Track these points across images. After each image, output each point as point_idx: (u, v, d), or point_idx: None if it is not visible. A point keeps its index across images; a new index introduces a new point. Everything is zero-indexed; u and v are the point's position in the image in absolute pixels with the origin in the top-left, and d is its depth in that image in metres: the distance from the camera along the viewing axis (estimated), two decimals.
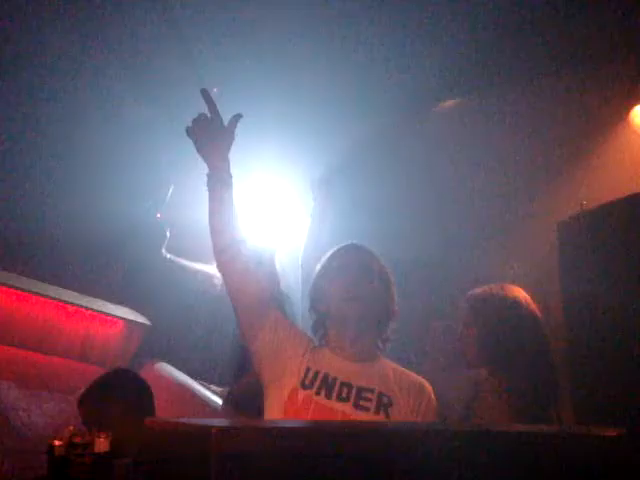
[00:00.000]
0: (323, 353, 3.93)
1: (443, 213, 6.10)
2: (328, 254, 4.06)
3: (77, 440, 2.44)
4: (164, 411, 4.67)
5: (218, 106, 3.94)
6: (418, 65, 5.78)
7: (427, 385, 3.93)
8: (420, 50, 5.66)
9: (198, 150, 3.96)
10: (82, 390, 4.49)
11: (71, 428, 2.49)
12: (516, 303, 4.05)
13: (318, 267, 4.09)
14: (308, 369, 3.88)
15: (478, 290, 4.18)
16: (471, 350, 4.18)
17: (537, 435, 2.56)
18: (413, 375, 3.97)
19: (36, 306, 6.13)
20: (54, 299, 6.19)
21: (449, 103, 6.38)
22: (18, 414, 5.60)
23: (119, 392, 4.45)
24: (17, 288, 5.95)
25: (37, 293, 6.07)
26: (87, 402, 4.41)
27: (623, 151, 5.67)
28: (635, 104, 5.69)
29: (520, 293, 4.08)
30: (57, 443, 2.45)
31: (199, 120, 3.95)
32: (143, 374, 5.17)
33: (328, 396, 3.83)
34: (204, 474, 2.19)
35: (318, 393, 3.82)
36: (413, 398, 3.89)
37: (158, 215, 6.41)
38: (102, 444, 2.39)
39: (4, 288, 5.89)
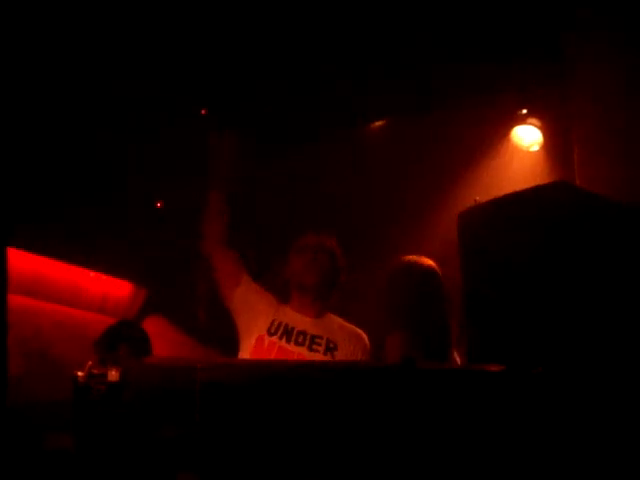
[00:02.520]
0: (286, 309, 4.03)
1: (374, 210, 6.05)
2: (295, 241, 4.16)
3: (95, 372, 2.41)
4: (160, 353, 4.68)
5: None
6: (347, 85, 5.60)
7: (363, 335, 4.04)
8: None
9: None
10: (98, 336, 4.48)
11: (90, 362, 2.46)
12: (422, 268, 4.00)
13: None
14: (274, 320, 3.96)
15: (398, 261, 4.12)
16: (383, 314, 4.10)
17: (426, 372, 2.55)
18: (353, 327, 4.07)
19: (67, 270, 6.09)
20: (80, 266, 6.16)
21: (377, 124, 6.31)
22: (53, 350, 5.58)
23: (125, 338, 4.45)
24: (52, 257, 5.91)
25: (67, 261, 6.03)
26: (100, 345, 4.40)
27: (506, 161, 5.70)
28: (514, 126, 5.71)
29: (427, 262, 4.04)
30: (80, 373, 2.43)
31: None
32: (144, 325, 5.17)
33: (288, 341, 3.91)
34: (191, 401, 2.16)
35: (280, 338, 3.89)
36: (353, 344, 4.01)
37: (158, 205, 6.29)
38: (113, 375, 2.38)
39: (44, 257, 5.85)
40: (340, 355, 4.03)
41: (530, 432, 2.30)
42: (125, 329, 4.74)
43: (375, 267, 5.16)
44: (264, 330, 4.00)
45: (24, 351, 5.20)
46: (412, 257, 4.07)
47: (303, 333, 4.04)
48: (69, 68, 4.93)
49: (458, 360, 3.93)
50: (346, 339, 4.11)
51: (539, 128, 5.62)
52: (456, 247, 3.02)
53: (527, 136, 5.66)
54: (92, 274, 6.29)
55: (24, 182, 4.96)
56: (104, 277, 6.42)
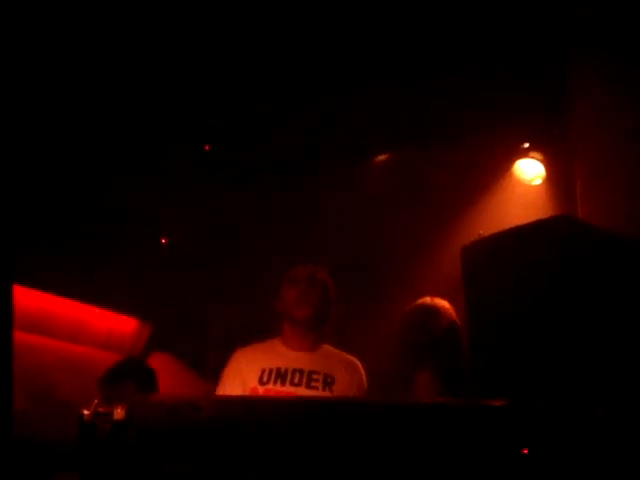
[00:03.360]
0: (277, 348, 4.00)
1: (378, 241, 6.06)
2: (287, 271, 4.14)
3: (100, 410, 2.41)
4: (165, 390, 4.67)
5: None
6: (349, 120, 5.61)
7: (358, 363, 4.04)
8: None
9: None
10: (102, 373, 4.48)
11: (96, 400, 2.46)
12: (440, 310, 4.04)
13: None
14: (263, 370, 3.91)
15: (413, 304, 4.17)
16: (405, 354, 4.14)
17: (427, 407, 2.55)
18: (348, 356, 4.06)
19: (71, 307, 6.10)
20: (85, 302, 6.17)
21: (380, 159, 6.33)
22: (57, 387, 5.59)
23: (131, 375, 4.44)
24: (58, 294, 5.93)
25: (71, 297, 6.04)
26: (106, 382, 4.40)
27: (509, 195, 5.72)
28: (516, 160, 5.73)
29: (442, 303, 4.09)
30: (86, 412, 2.43)
31: None
32: (149, 361, 5.16)
33: (283, 384, 3.87)
34: (194, 438, 2.16)
35: (275, 384, 3.86)
36: (349, 374, 3.98)
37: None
38: (119, 413, 2.37)
39: (49, 294, 5.86)
40: (337, 388, 4.00)
41: (536, 466, 2.29)
42: (131, 366, 4.73)
43: (380, 301, 5.18)
44: (255, 382, 3.96)
45: (28, 387, 5.20)
46: (428, 299, 4.12)
47: (299, 371, 3.99)
48: (76, 105, 4.97)
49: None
50: (342, 370, 4.08)
51: (541, 162, 5.64)
52: (459, 281, 3.03)
53: (529, 170, 5.67)
54: (96, 310, 6.29)
55: (28, 219, 4.98)
56: (109, 313, 6.43)
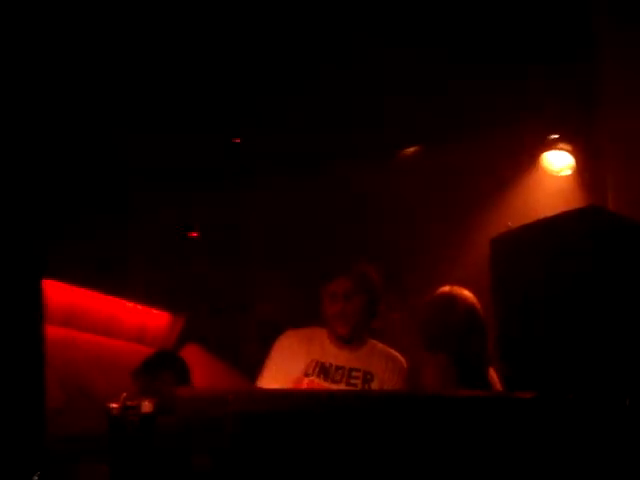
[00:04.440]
0: (323, 341, 4.03)
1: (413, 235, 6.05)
2: (324, 280, 4.11)
3: (129, 403, 2.42)
4: (197, 382, 4.66)
5: None
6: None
7: (400, 359, 4.06)
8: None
9: None
10: (137, 366, 4.50)
11: (124, 394, 2.47)
12: (457, 299, 4.06)
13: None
14: (309, 362, 3.96)
15: (434, 293, 4.20)
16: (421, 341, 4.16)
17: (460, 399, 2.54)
18: (390, 352, 4.12)
19: (104, 301, 6.12)
20: (117, 296, 6.20)
21: (409, 150, 6.31)
22: (91, 381, 5.61)
23: (166, 367, 4.47)
24: (90, 288, 5.95)
25: (104, 292, 6.06)
26: (141, 374, 4.42)
27: (538, 186, 5.68)
28: (543, 151, 5.69)
29: (463, 292, 4.10)
30: (114, 405, 2.44)
31: None
32: (182, 354, 5.18)
33: (325, 379, 3.92)
34: (223, 432, 2.17)
35: (318, 376, 3.90)
36: (389, 371, 4.00)
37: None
38: (147, 407, 2.39)
39: (82, 289, 5.89)
40: (376, 384, 4.02)
41: (562, 458, 2.28)
42: (165, 357, 4.77)
43: (409, 295, 5.17)
44: (301, 372, 4.00)
45: (62, 383, 5.22)
46: (448, 287, 4.13)
47: (341, 368, 4.04)
48: (98, 99, 4.99)
49: (495, 377, 3.95)
50: (383, 366, 4.10)
51: (570, 153, 5.60)
52: (487, 273, 3.01)
53: (558, 161, 5.64)
54: (129, 304, 6.32)
55: (61, 213, 5.00)
56: (141, 307, 6.45)
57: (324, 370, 3.99)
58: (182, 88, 5.17)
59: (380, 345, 4.19)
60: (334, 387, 3.92)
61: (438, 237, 5.89)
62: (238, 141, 5.89)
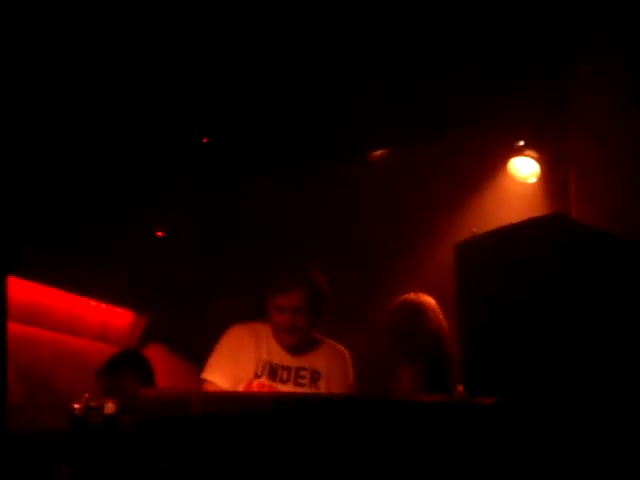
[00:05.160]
0: (267, 340, 4.04)
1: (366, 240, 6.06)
2: (271, 290, 4.05)
3: (92, 404, 2.41)
4: (161, 381, 4.67)
5: None
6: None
7: (342, 350, 4.10)
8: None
9: None
10: (100, 365, 4.50)
11: (87, 395, 2.46)
12: (424, 307, 4.09)
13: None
14: (257, 361, 3.94)
15: (397, 299, 4.22)
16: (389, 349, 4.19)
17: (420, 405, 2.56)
18: (336, 346, 4.21)
19: (67, 299, 6.10)
20: (81, 294, 6.17)
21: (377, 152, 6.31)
22: (53, 379, 5.59)
23: (129, 367, 4.47)
24: (52, 285, 5.92)
25: (67, 289, 6.04)
26: (104, 374, 4.42)
27: (504, 192, 5.71)
28: (511, 157, 5.71)
29: (426, 299, 4.13)
30: (77, 406, 2.43)
31: None
32: (146, 353, 5.18)
33: (273, 380, 3.91)
34: (185, 432, 2.17)
35: (268, 378, 3.89)
36: (335, 367, 4.02)
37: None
38: (110, 407, 2.38)
39: (45, 286, 5.86)
40: (323, 383, 4.03)
41: (522, 463, 2.30)
42: (129, 357, 4.77)
43: (374, 297, 5.19)
44: (252, 375, 3.98)
45: (24, 380, 5.19)
46: (412, 295, 4.16)
47: (287, 368, 4.04)
48: (70, 95, 4.95)
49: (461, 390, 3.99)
50: (329, 362, 4.12)
51: (536, 160, 5.63)
52: (451, 277, 3.03)
53: (524, 168, 5.66)
54: (93, 302, 6.29)
55: (24, 210, 4.97)
56: (105, 305, 6.42)
57: (272, 371, 3.99)
58: (153, 87, 5.14)
59: (323, 341, 4.19)
60: (282, 388, 3.92)
61: (403, 242, 5.90)
62: (207, 141, 5.87)
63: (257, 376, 3.97)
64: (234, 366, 3.97)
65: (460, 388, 3.99)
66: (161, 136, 5.48)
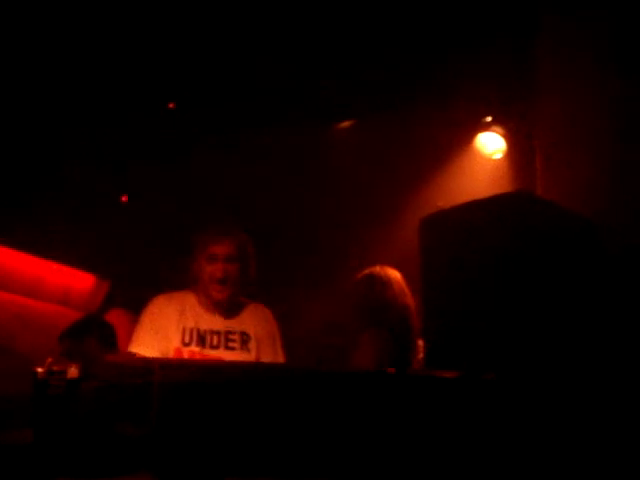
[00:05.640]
0: (193, 307, 3.96)
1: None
2: (204, 239, 4.02)
3: (54, 368, 2.41)
4: (123, 346, 4.65)
5: None
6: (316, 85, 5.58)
7: (267, 310, 4.16)
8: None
9: None
10: (63, 329, 4.49)
11: (50, 359, 2.46)
12: (389, 279, 4.17)
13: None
14: (184, 330, 3.88)
15: (364, 271, 4.29)
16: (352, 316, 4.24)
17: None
18: (257, 305, 4.16)
19: (29, 262, 6.06)
20: (43, 257, 6.14)
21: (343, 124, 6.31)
22: (14, 342, 5.56)
23: (92, 331, 4.46)
24: (15, 247, 5.89)
25: (29, 252, 6.01)
26: (67, 338, 4.41)
27: (470, 168, 5.75)
28: (476, 133, 5.75)
29: (388, 270, 4.21)
30: (39, 370, 2.43)
31: None
32: (108, 318, 5.17)
33: (203, 347, 3.86)
34: (148, 399, 2.18)
35: (197, 346, 3.85)
36: (261, 325, 3.99)
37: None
38: (73, 372, 2.38)
39: (6, 248, 5.83)
40: (254, 344, 4.01)
41: (482, 436, 2.33)
42: (92, 322, 4.77)
43: (342, 268, 5.22)
44: (179, 342, 3.92)
45: None
46: (378, 268, 4.25)
47: (217, 333, 3.99)
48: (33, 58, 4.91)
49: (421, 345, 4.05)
50: (256, 322, 4.10)
51: (502, 136, 5.67)
52: (416, 252, 3.05)
53: (490, 143, 5.70)
54: (54, 266, 6.26)
55: None
56: (67, 269, 6.40)
57: (200, 337, 3.92)
58: (115, 54, 5.11)
59: (249, 302, 4.14)
60: (213, 353, 3.88)
61: (368, 216, 5.92)
62: (172, 107, 5.84)
63: (185, 344, 3.90)
64: (160, 337, 3.90)
65: (420, 343, 4.07)
66: (128, 100, 5.45)
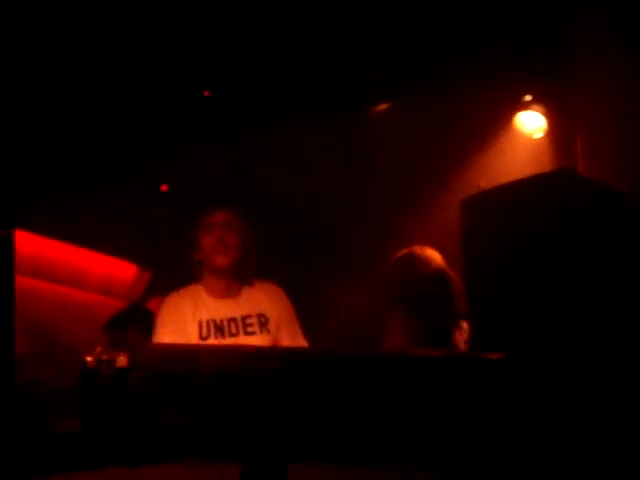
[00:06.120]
0: (204, 298, 3.93)
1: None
2: (203, 214, 4.04)
3: (104, 357, 2.44)
4: None
5: None
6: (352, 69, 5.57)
7: (279, 288, 4.11)
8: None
9: None
10: (106, 319, 4.54)
11: (99, 348, 2.49)
12: (425, 260, 4.11)
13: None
14: (200, 323, 3.86)
15: (402, 251, 4.24)
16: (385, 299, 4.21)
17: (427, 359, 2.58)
18: (268, 284, 4.12)
19: (72, 252, 6.13)
20: (85, 247, 6.21)
21: (381, 107, 6.29)
22: (57, 331, 5.62)
23: (135, 321, 4.50)
24: (57, 238, 5.96)
25: (72, 243, 6.07)
26: (110, 328, 4.46)
27: (510, 147, 5.72)
28: (516, 112, 5.71)
29: (429, 252, 4.15)
30: (89, 358, 2.46)
31: None
32: (150, 307, 5.22)
33: (223, 337, 3.83)
34: (194, 386, 2.20)
35: (216, 337, 3.82)
36: (275, 303, 3.97)
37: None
38: (122, 361, 2.41)
39: (49, 239, 5.89)
40: (272, 324, 3.98)
41: (528, 420, 2.33)
42: (135, 312, 4.81)
43: (378, 254, 5.21)
44: (196, 337, 3.89)
45: (29, 333, 5.23)
46: (416, 247, 4.18)
47: (233, 320, 3.95)
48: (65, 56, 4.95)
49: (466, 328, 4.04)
50: (270, 302, 4.04)
51: (543, 114, 5.62)
52: (457, 234, 3.04)
53: (531, 122, 5.66)
54: (97, 256, 6.32)
55: (29, 164, 4.98)
56: (109, 259, 6.46)
57: (218, 328, 3.88)
58: (155, 40, 5.13)
59: (254, 281, 4.09)
60: (234, 341, 3.85)
61: (409, 198, 5.90)
62: (208, 94, 5.86)
63: (203, 338, 3.88)
64: (179, 334, 3.89)
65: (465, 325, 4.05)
66: (167, 88, 5.47)
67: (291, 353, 2.99)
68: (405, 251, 4.23)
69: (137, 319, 4.60)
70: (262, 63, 5.47)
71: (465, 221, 3.05)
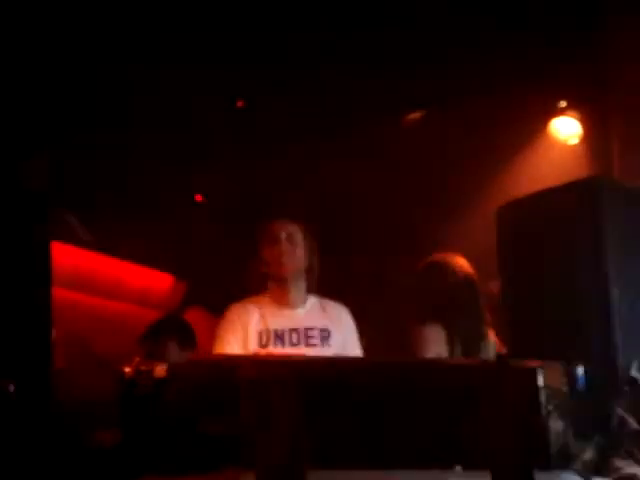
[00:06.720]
0: (267, 308, 3.94)
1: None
2: (264, 227, 4.05)
3: (142, 368, 2.46)
4: (202, 345, 4.72)
5: None
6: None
7: (344, 307, 4.05)
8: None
9: None
10: (142, 330, 4.58)
11: (138, 358, 2.52)
12: (455, 269, 4.10)
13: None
14: (260, 332, 3.87)
15: (426, 260, 4.24)
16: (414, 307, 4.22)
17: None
18: (334, 303, 4.06)
19: (108, 263, 6.19)
20: (121, 258, 6.26)
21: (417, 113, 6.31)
22: (94, 342, 5.69)
23: (172, 332, 4.53)
24: (94, 250, 6.02)
25: (108, 254, 6.13)
26: (147, 339, 4.50)
27: (545, 153, 5.71)
28: (551, 118, 5.71)
29: (459, 260, 4.14)
30: (127, 369, 2.48)
31: None
32: (186, 317, 5.25)
33: (283, 346, 3.83)
34: (233, 396, 2.22)
35: (275, 346, 3.82)
36: (340, 321, 3.95)
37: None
38: (160, 371, 2.42)
39: (85, 250, 5.95)
40: (334, 339, 3.98)
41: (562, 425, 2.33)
42: (171, 323, 4.83)
43: (412, 259, 5.22)
44: (256, 345, 3.89)
45: (67, 344, 5.30)
46: (441, 255, 4.17)
47: (295, 330, 3.96)
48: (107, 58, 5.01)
49: (494, 339, 4.03)
50: (334, 319, 4.03)
51: (578, 120, 5.62)
52: (492, 240, 3.05)
53: (565, 128, 5.66)
54: (133, 267, 6.38)
55: (65, 178, 5.03)
56: (145, 270, 6.50)
57: (278, 336, 3.86)
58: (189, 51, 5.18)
59: (319, 298, 4.10)
60: (294, 351, 3.86)
61: (443, 206, 5.90)
62: (241, 105, 5.89)
63: (262, 345, 3.89)
64: (239, 344, 3.91)
65: (491, 336, 4.04)
66: (201, 100, 5.51)
67: (338, 362, 2.99)
68: (433, 259, 4.21)
69: (173, 330, 4.62)
70: (297, 72, 5.49)
71: (500, 228, 3.06)
